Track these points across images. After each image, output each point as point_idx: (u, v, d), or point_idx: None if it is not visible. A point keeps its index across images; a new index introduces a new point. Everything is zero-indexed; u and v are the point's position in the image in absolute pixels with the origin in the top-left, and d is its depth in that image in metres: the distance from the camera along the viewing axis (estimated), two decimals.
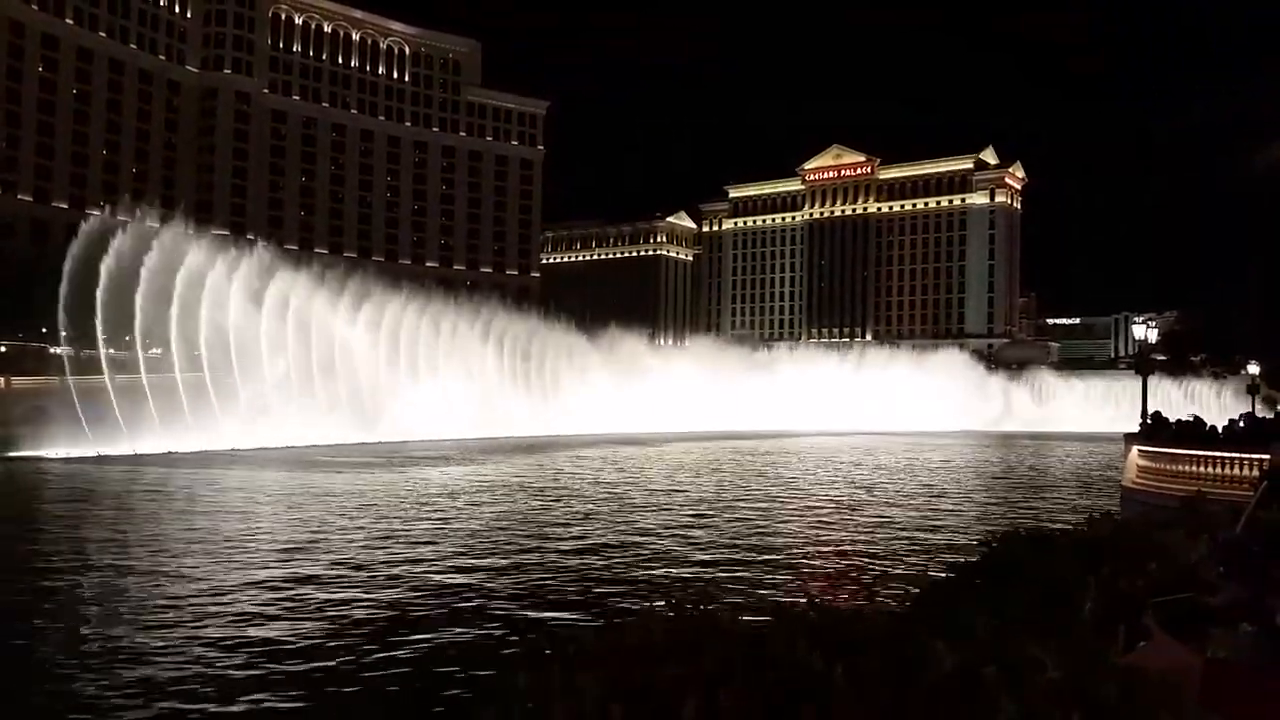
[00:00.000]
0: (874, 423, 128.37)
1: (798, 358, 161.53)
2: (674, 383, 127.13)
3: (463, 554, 30.47)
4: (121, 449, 66.96)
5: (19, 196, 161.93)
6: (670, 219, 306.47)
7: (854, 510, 45.07)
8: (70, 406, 69.40)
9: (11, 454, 63.06)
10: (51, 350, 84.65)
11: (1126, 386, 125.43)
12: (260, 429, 73.85)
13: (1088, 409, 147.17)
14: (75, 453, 64.67)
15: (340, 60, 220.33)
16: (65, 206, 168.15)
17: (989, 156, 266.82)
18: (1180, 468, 32.63)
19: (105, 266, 72.67)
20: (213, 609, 22.38)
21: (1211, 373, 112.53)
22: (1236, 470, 29.72)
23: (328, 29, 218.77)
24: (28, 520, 37.59)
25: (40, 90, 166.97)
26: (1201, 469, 31.32)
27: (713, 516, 41.04)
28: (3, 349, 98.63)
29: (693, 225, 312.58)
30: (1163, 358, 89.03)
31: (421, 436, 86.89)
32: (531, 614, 22.65)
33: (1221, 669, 5.15)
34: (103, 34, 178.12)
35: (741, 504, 45.84)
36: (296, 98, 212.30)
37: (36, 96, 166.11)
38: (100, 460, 62.37)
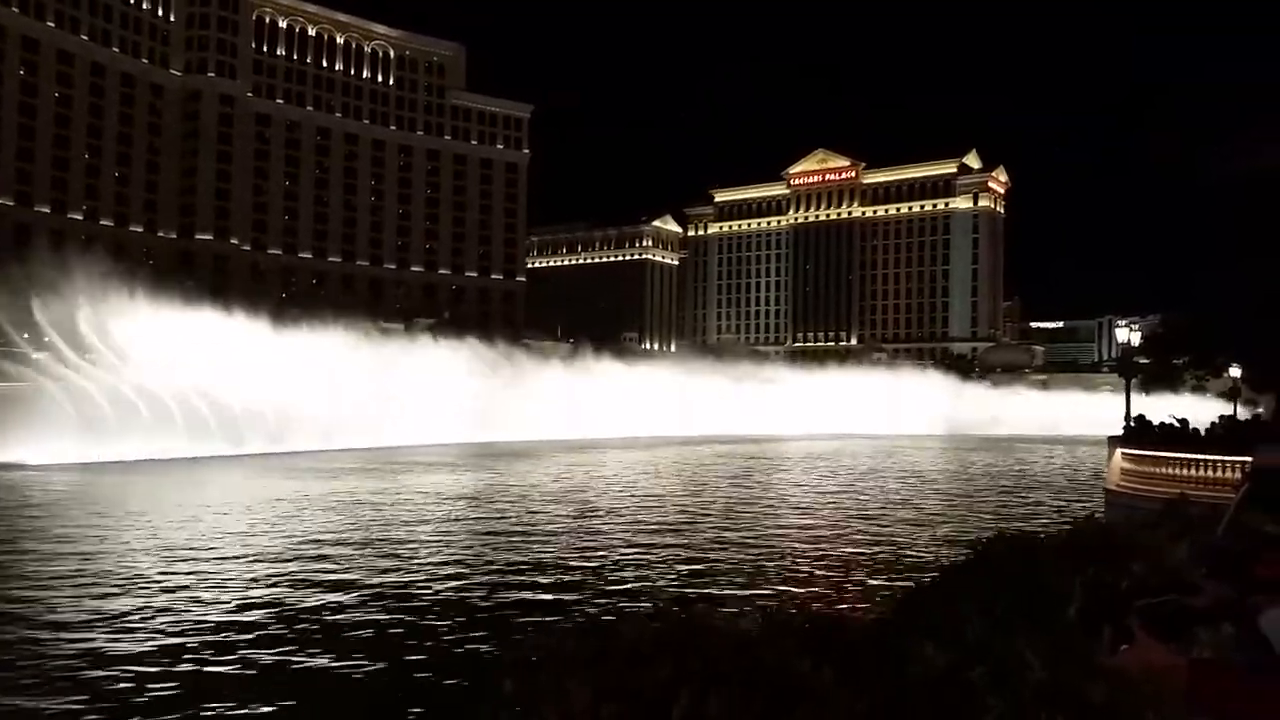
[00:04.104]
0: (856, 427, 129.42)
1: (779, 369, 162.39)
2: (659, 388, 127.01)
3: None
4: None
5: (0, 201, 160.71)
6: (655, 223, 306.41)
7: (843, 511, 45.16)
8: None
9: None
10: None
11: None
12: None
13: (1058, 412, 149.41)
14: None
15: (324, 63, 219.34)
16: (48, 211, 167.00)
17: (972, 160, 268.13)
18: (1163, 470, 32.82)
19: None
20: None
21: (1193, 376, 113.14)
22: (1219, 473, 29.92)
23: (312, 32, 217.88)
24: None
25: (21, 93, 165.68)
26: (1184, 471, 31.51)
27: (699, 516, 41.06)
28: None
29: (678, 229, 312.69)
30: (1146, 360, 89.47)
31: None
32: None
33: (1205, 669, 5.20)
34: (84, 37, 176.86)
35: (730, 506, 45.87)
36: (280, 101, 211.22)
37: (17, 100, 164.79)
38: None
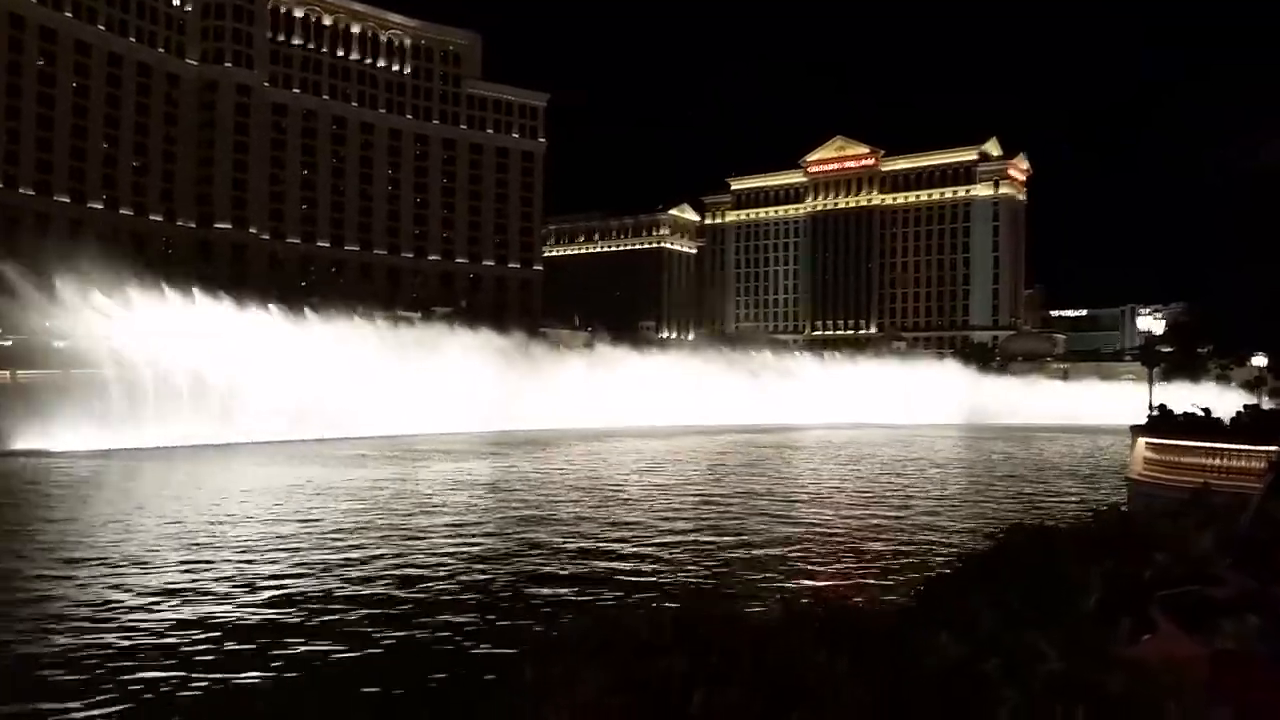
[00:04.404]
0: (874, 416, 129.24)
1: (797, 358, 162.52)
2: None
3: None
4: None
5: (20, 190, 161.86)
6: (673, 211, 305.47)
7: (863, 498, 45.06)
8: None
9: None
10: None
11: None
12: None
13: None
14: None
15: (341, 53, 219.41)
16: (67, 200, 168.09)
17: (992, 148, 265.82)
18: (1187, 459, 32.53)
19: None
20: None
21: (1217, 365, 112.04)
22: (1244, 462, 29.61)
23: (328, 21, 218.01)
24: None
25: (39, 84, 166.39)
26: (1208, 461, 31.22)
27: (721, 504, 41.04)
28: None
29: (695, 218, 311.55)
30: (1169, 349, 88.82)
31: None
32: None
33: (1228, 660, 5.12)
34: (101, 27, 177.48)
35: (750, 494, 45.82)
36: (297, 90, 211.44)
37: (35, 90, 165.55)
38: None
